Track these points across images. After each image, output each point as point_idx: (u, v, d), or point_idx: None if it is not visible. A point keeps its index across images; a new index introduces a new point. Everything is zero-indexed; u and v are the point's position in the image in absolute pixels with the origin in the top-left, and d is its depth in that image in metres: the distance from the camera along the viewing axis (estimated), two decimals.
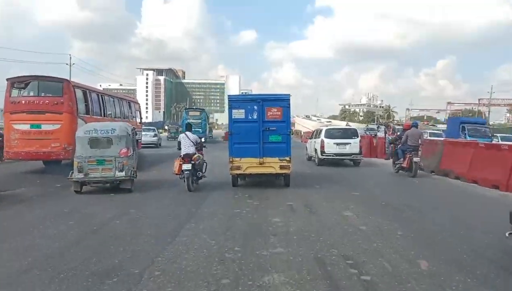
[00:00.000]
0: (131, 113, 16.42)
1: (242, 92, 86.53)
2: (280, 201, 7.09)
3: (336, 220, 5.56)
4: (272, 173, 8.54)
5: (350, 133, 14.48)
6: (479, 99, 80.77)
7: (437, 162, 10.87)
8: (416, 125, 11.66)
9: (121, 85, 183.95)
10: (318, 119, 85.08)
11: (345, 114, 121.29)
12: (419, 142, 10.67)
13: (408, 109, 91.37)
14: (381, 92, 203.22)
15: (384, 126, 28.34)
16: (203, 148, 9.00)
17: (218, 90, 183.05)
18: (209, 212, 6.12)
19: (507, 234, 3.86)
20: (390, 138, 14.98)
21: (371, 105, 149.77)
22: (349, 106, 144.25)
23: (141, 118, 18.18)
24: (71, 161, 9.29)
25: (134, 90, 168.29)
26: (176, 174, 8.16)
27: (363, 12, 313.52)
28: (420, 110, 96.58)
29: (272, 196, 7.68)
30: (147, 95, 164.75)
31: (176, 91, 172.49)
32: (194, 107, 62.52)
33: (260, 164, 8.38)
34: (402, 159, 10.88)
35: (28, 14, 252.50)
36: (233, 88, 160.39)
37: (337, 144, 13.77)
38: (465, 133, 19.20)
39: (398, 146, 11.34)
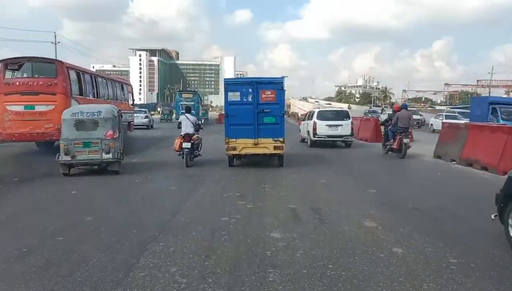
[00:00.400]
0: (124, 95, 16.50)
1: (237, 74, 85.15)
2: (279, 203, 5.63)
3: (357, 235, 4.11)
4: (266, 153, 8.84)
5: (342, 116, 14.65)
6: (477, 81, 79.28)
7: (459, 149, 9.59)
8: (406, 107, 11.68)
9: (114, 66, 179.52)
10: (316, 101, 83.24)
11: (341, 96, 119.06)
12: (409, 123, 10.94)
13: (404, 90, 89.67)
14: (377, 74, 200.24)
15: (389, 108, 26.73)
16: (200, 130, 9.72)
17: (213, 71, 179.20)
18: (186, 222, 4.65)
19: (492, 216, 3.66)
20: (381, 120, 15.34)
21: (367, 87, 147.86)
22: (345, 88, 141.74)
23: (133, 100, 18.12)
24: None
25: (128, 72, 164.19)
26: (176, 151, 9.06)
27: None
28: (417, 91, 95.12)
29: (268, 195, 6.26)
30: (140, 77, 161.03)
31: (170, 73, 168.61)
32: (188, 89, 63.86)
33: (255, 144, 8.68)
34: (392, 140, 11.06)
35: None
36: (228, 70, 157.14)
37: (329, 126, 13.96)
38: (497, 116, 16.61)
39: (389, 128, 11.50)
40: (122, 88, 16.45)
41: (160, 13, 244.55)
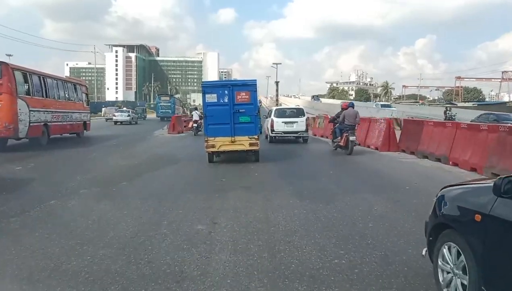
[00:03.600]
0: (77, 95, 17.59)
1: (221, 72, 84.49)
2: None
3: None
4: (243, 149, 9.99)
5: (297, 113, 16.31)
6: (502, 72, 75.54)
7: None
8: (352, 106, 12.47)
9: (89, 63, 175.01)
10: (314, 98, 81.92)
11: (334, 92, 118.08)
12: (355, 121, 11.81)
13: (404, 86, 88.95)
14: (362, 72, 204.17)
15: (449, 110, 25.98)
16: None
17: (195, 69, 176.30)
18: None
19: (423, 253, 2.90)
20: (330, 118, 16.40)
21: (361, 83, 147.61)
22: (337, 84, 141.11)
23: (88, 100, 19.47)
24: (17, 139, 12.47)
25: (103, 69, 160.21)
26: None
27: None
28: (417, 87, 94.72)
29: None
30: (117, 74, 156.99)
31: (150, 70, 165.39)
32: (166, 93, 72.33)
33: (232, 142, 9.77)
34: (339, 137, 11.92)
35: None
36: (212, 67, 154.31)
37: (285, 123, 15.53)
38: None
39: (336, 125, 12.40)
40: (75, 89, 17.51)
41: (144, 13, 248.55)
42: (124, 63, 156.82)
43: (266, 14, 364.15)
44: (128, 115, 33.09)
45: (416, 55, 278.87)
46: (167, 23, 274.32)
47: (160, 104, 38.76)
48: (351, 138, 11.34)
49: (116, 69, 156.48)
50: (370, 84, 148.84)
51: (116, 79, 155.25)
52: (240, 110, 9.75)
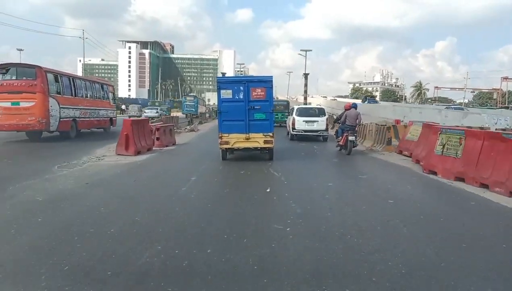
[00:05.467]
0: (104, 94, 19.69)
1: (238, 71, 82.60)
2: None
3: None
4: (257, 147, 10.25)
5: (318, 112, 17.11)
6: None
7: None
8: (355, 107, 12.94)
9: (102, 60, 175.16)
10: (333, 99, 78.32)
11: (358, 93, 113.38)
12: (356, 122, 12.29)
13: (437, 87, 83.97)
14: (387, 72, 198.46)
15: None
16: None
17: (211, 67, 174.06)
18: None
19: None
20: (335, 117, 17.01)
21: (386, 84, 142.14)
22: (360, 85, 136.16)
23: (114, 99, 21.89)
24: (49, 132, 14.76)
25: (116, 66, 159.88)
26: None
27: None
28: (451, 89, 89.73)
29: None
30: (129, 71, 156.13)
31: (164, 67, 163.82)
32: (190, 94, 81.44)
33: (246, 139, 10.00)
34: (340, 137, 12.56)
35: None
36: (228, 65, 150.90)
37: (306, 122, 16.35)
38: None
39: (339, 125, 13.11)
40: (102, 88, 19.62)
41: (162, 12, 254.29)
42: (138, 60, 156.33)
43: (284, 14, 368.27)
44: (157, 112, 38.61)
45: (435, 57, 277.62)
46: (185, 22, 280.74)
47: (186, 103, 44.60)
48: (350, 138, 11.87)
49: (129, 66, 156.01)
50: (396, 85, 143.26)
51: (129, 76, 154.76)
52: (255, 107, 9.91)
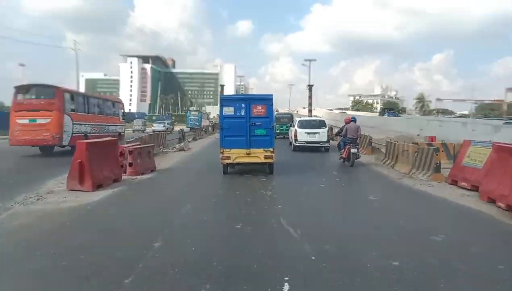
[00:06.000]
0: (113, 111, 21.10)
1: (238, 85, 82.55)
2: None
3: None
4: (258, 162, 10.44)
5: (319, 124, 18.19)
6: None
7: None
8: (354, 120, 13.40)
9: (105, 75, 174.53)
10: (329, 110, 76.55)
11: (359, 105, 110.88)
12: (357, 135, 12.84)
13: (439, 99, 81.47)
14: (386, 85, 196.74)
15: None
16: None
17: (212, 81, 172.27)
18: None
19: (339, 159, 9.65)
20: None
21: (386, 96, 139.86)
22: (360, 97, 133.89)
23: (124, 115, 23.07)
24: (61, 147, 15.73)
25: (118, 81, 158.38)
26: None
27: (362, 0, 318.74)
28: (453, 100, 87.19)
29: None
30: (131, 86, 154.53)
31: (165, 82, 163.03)
32: (194, 108, 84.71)
33: (247, 154, 10.26)
34: (343, 150, 13.07)
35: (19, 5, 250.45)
36: (229, 80, 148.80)
37: (308, 133, 17.34)
38: None
39: (341, 139, 13.53)
40: (113, 105, 21.11)
41: (162, 26, 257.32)
42: (139, 74, 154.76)
43: (283, 27, 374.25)
44: (164, 126, 40.64)
45: (432, 70, 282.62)
46: (185, 36, 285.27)
47: (190, 117, 47.68)
48: (352, 150, 12.36)
49: (131, 81, 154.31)
50: (396, 97, 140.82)
51: (131, 90, 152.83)
52: (256, 123, 10.24)
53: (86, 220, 6.03)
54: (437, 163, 9.56)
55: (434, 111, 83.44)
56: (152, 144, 13.04)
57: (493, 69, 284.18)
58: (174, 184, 9.65)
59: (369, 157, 15.17)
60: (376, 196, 7.80)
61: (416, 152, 10.60)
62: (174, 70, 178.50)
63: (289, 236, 5.04)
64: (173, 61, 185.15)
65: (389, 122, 34.58)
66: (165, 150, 17.55)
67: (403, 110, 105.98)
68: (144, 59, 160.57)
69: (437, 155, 9.65)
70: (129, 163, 10.38)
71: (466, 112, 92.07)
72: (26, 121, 14.54)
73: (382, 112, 51.51)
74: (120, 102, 23.49)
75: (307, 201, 7.42)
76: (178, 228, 5.50)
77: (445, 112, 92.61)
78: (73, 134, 15.60)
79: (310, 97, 38.97)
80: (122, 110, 22.63)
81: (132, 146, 11.27)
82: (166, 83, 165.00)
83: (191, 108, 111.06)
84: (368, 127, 26.23)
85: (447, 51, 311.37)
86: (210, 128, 38.82)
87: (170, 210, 6.64)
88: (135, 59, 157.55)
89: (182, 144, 19.30)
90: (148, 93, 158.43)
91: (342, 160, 13.10)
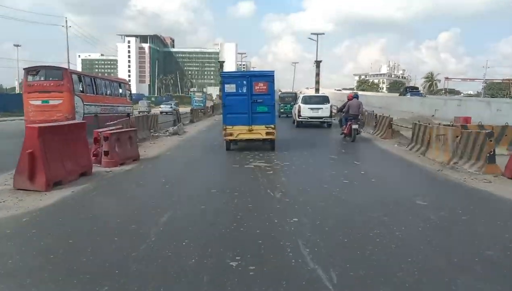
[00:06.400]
0: (122, 92, 21.57)
1: (239, 64, 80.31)
2: None
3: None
4: (259, 138, 10.71)
5: (322, 100, 18.19)
6: None
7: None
8: (357, 97, 13.99)
9: (102, 55, 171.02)
10: (337, 90, 74.46)
11: (364, 85, 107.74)
12: (359, 111, 13.27)
13: (447, 78, 78.60)
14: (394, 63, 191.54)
15: None
16: None
17: (212, 61, 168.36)
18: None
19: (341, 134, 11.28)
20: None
21: (392, 75, 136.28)
22: (366, 77, 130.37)
23: (131, 96, 23.59)
24: None
25: (116, 61, 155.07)
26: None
27: None
28: (462, 80, 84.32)
29: None
30: (129, 66, 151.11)
31: (164, 62, 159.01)
32: (199, 90, 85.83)
33: (249, 131, 10.49)
34: (344, 126, 13.47)
35: None
36: (229, 59, 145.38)
37: (311, 109, 17.54)
38: None
39: (342, 115, 13.98)
40: (120, 86, 21.61)
41: (163, 7, 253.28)
42: (137, 54, 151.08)
43: (285, 7, 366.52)
44: (171, 107, 41.04)
45: (438, 49, 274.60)
46: (186, 17, 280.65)
47: (195, 98, 50.62)
48: (353, 126, 12.75)
49: (129, 61, 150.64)
50: (403, 76, 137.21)
51: (129, 71, 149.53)
52: (257, 100, 10.38)
53: (7, 245, 3.99)
54: (491, 152, 7.46)
55: (442, 91, 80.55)
56: (134, 129, 10.69)
57: (501, 47, 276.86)
58: (156, 180, 7.53)
59: (390, 142, 13.19)
60: (423, 198, 5.64)
61: (458, 136, 8.51)
62: (173, 50, 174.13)
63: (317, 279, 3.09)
64: (172, 40, 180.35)
65: (398, 102, 32.16)
66: (156, 134, 15.55)
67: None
68: (142, 38, 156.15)
69: (491, 141, 7.44)
70: (105, 151, 8.40)
71: (471, 92, 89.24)
72: (39, 102, 15.02)
73: (404, 92, 46.24)
74: (127, 83, 23.93)
75: (330, 208, 5.28)
76: (141, 261, 3.51)
77: (451, 92, 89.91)
78: (85, 115, 15.89)
79: (317, 74, 36.49)
80: (129, 91, 22.99)
81: (109, 130, 9.21)
82: (166, 63, 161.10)
83: (192, 89, 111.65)
84: (376, 108, 23.95)
85: (453, 30, 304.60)
86: (209, 109, 37.49)
87: (139, 225, 4.52)
88: (132, 39, 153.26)
89: (176, 127, 17.23)
90: (147, 74, 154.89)
91: (343, 135, 13.58)
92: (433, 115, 21.04)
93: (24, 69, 16.11)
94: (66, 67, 16.72)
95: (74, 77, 15.90)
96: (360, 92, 69.06)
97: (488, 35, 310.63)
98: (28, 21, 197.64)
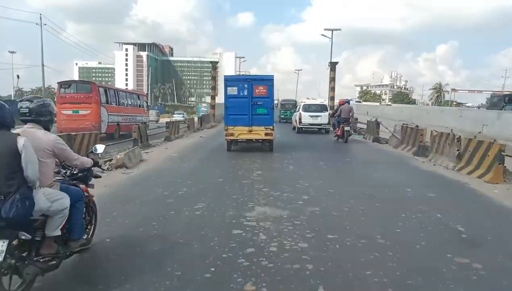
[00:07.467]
0: (140, 103, 23.90)
1: (238, 72, 78.64)
2: None
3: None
4: (259, 139, 11.56)
5: (321, 108, 19.79)
6: None
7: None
8: (348, 102, 15.76)
9: (100, 63, 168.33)
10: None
11: (366, 96, 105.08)
12: (349, 115, 14.89)
13: (453, 90, 76.30)
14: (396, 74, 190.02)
15: None
16: None
17: (211, 70, 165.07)
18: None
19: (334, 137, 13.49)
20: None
21: (395, 86, 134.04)
22: (368, 88, 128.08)
23: (148, 106, 27.00)
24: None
25: (113, 69, 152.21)
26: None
27: None
28: (469, 91, 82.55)
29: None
30: (126, 74, 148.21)
31: (163, 70, 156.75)
32: (205, 101, 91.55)
33: (249, 131, 11.27)
34: (337, 129, 15.08)
35: None
36: (229, 68, 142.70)
37: (311, 116, 19.00)
38: None
39: (335, 119, 15.66)
40: (138, 97, 24.14)
41: (164, 17, 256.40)
42: (135, 62, 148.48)
43: (285, 18, 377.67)
44: (183, 116, 46.24)
45: (436, 61, 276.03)
46: (187, 27, 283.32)
47: (201, 108, 56.60)
48: (346, 128, 14.28)
49: (126, 69, 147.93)
50: (405, 87, 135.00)
51: (126, 80, 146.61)
52: (258, 103, 11.09)
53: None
54: None
55: (454, 103, 77.56)
56: None
57: (499, 60, 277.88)
58: None
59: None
60: None
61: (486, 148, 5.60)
62: (172, 58, 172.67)
63: None
64: (171, 49, 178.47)
65: (425, 116, 27.02)
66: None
67: (412, 102, 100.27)
68: (141, 46, 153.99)
69: None
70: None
71: (470, 104, 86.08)
72: (70, 112, 16.85)
73: (501, 103, 25.94)
74: (144, 95, 27.39)
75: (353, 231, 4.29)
76: None
77: (459, 104, 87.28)
78: (109, 124, 18.07)
79: (333, 79, 28.61)
80: (146, 102, 25.55)
81: None
82: (164, 72, 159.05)
83: (190, 99, 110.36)
84: (396, 121, 18.62)
85: (451, 43, 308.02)
86: (196, 122, 25.58)
87: None
88: (130, 47, 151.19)
89: (123, 154, 9.32)
90: (145, 83, 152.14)
91: (336, 137, 15.18)
92: (479, 132, 16.39)
93: (58, 83, 18.33)
94: (95, 81, 19.07)
95: (101, 90, 17.95)
96: (364, 104, 66.25)
97: (486, 48, 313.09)
98: (25, 28, 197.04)
